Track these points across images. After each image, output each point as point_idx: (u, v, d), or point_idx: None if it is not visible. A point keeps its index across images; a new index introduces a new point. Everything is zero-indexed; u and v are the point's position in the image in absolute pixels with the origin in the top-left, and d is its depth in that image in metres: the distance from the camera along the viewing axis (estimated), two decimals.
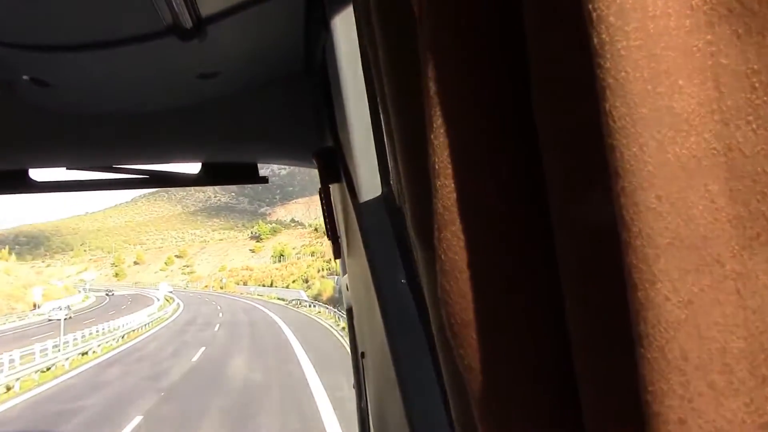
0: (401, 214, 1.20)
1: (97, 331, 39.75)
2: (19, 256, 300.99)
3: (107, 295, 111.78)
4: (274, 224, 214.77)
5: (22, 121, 1.57)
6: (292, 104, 1.72)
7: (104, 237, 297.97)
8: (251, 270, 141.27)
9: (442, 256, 0.45)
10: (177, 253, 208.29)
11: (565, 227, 0.41)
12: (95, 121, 1.57)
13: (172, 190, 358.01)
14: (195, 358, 28.95)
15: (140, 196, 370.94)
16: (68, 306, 60.26)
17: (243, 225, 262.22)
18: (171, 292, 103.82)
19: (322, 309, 50.19)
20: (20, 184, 1.78)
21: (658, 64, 0.32)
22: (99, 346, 33.57)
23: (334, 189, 1.57)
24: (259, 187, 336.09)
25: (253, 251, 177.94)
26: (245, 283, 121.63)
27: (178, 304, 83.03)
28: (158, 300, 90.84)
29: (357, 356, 1.86)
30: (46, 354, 28.98)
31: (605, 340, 0.39)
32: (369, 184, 1.29)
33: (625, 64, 0.32)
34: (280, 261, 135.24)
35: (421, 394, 1.00)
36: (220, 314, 59.54)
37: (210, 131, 1.74)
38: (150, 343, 37.19)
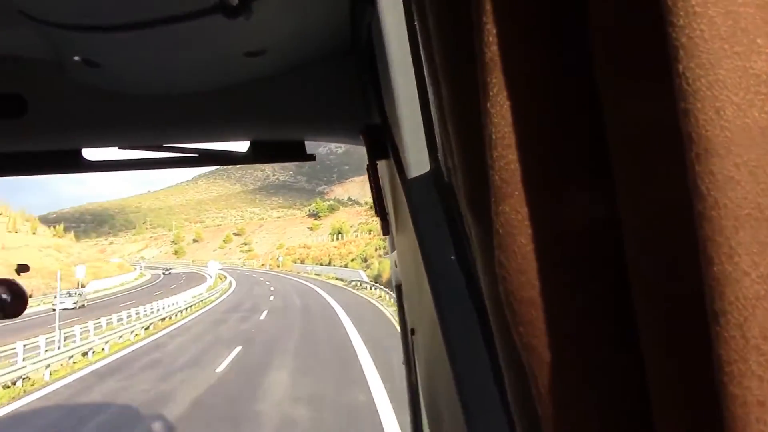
0: (450, 190, 1.19)
1: (119, 320, 32.47)
2: (84, 233, 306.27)
3: (164, 273, 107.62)
4: (331, 202, 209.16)
5: (74, 102, 1.63)
6: (339, 82, 1.74)
7: (165, 215, 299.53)
8: (309, 248, 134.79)
9: (500, 230, 0.43)
10: (235, 231, 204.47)
11: (631, 200, 0.39)
12: (145, 100, 1.63)
13: (231, 169, 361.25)
14: (220, 368, 20.90)
15: (200, 175, 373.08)
16: (80, 293, 53.10)
17: (301, 204, 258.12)
18: (221, 269, 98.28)
19: (383, 293, 41.61)
20: (74, 163, 1.85)
21: (735, 22, 0.30)
22: (107, 342, 25.94)
23: (381, 166, 1.58)
24: (317, 165, 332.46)
25: (310, 229, 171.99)
26: (302, 262, 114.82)
27: (230, 282, 77.40)
28: (210, 277, 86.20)
29: (407, 333, 1.88)
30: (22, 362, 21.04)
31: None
32: (417, 160, 1.29)
33: (700, 21, 0.30)
34: (337, 239, 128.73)
35: (471, 371, 1.01)
36: (271, 297, 52.39)
37: (257, 109, 1.77)
38: (174, 339, 29.46)
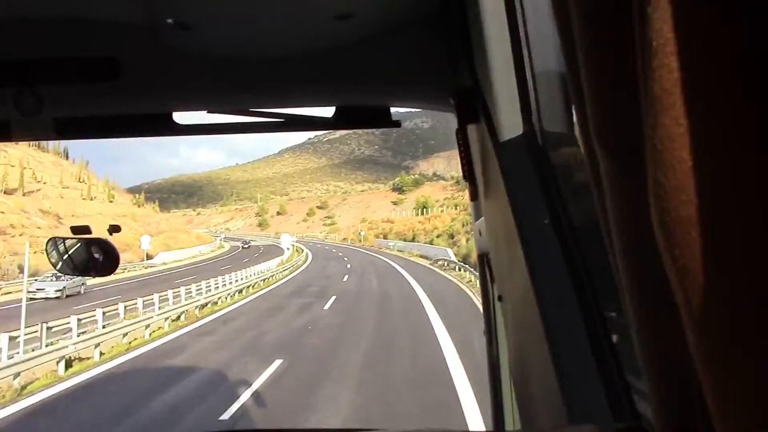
0: (544, 154, 1.20)
1: (154, 306, 24.92)
2: (174, 204, 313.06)
3: (243, 246, 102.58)
4: (416, 176, 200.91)
5: (166, 65, 1.66)
6: (428, 45, 1.68)
7: (252, 188, 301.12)
8: (392, 222, 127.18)
9: (658, 146, 0.39)
10: (319, 204, 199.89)
11: None
12: (234, 64, 1.65)
13: (317, 142, 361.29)
14: (233, 409, 12.31)
15: (287, 148, 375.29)
16: (76, 279, 39.78)
17: (386, 178, 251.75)
18: (297, 242, 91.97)
19: (473, 278, 32.04)
20: (165, 126, 1.88)
21: None
22: (98, 346, 17.84)
23: (471, 130, 1.56)
24: (403, 140, 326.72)
25: (394, 203, 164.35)
26: (385, 237, 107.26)
27: (306, 256, 70.81)
28: (288, 249, 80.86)
29: (489, 302, 1.88)
30: None
31: None
32: (509, 123, 1.27)
33: None
34: (422, 213, 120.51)
35: (568, 339, 0.98)
36: (345, 277, 44.10)
37: (343, 74, 1.76)
38: (199, 340, 20.59)
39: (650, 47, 0.39)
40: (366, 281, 40.59)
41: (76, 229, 2.96)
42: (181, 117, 1.92)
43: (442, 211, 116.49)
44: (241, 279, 38.48)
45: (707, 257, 0.38)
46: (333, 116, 1.89)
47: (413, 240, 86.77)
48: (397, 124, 1.94)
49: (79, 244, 3.00)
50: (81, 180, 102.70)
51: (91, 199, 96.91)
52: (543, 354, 1.00)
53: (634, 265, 0.56)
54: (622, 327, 0.97)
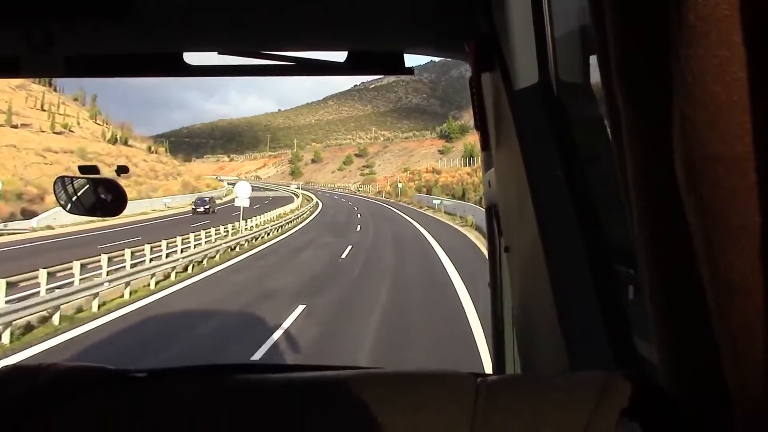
0: (559, 103, 1.17)
1: None
2: (212, 150, 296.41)
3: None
4: (463, 122, 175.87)
5: (178, 4, 1.59)
6: None
7: (293, 134, 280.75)
8: (438, 173, 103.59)
9: (688, 78, 0.37)
10: (357, 152, 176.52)
11: None
12: (247, 5, 1.58)
13: (363, 89, 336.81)
14: None
15: (331, 95, 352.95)
16: None
17: (433, 128, 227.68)
18: (305, 192, 70.05)
19: None
20: (175, 66, 1.82)
21: None
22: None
23: (485, 78, 1.52)
24: (450, 89, 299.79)
25: (441, 152, 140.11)
26: (429, 191, 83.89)
27: (314, 207, 49.26)
28: (297, 197, 62.84)
29: (496, 254, 1.85)
30: None
31: None
32: (525, 72, 1.23)
33: None
34: (469, 164, 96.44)
35: (575, 291, 0.96)
36: (353, 265, 20.48)
37: (357, 18, 1.69)
38: None
39: None
40: (376, 284, 17.08)
41: (84, 169, 2.79)
42: (191, 58, 1.85)
43: None
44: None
45: (734, 195, 0.35)
46: (345, 61, 1.81)
47: (462, 197, 63.09)
48: (410, 71, 1.86)
49: (87, 185, 2.89)
50: (43, 108, 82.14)
51: (58, 133, 75.97)
52: (547, 303, 0.98)
53: (651, 215, 0.53)
54: (628, 279, 0.96)
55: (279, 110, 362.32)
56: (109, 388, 0.78)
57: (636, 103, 0.50)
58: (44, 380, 0.79)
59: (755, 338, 0.36)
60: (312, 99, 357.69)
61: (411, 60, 1.97)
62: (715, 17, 0.34)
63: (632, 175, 0.53)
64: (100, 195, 2.84)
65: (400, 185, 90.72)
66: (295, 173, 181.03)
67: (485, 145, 1.57)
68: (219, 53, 1.82)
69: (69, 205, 2.96)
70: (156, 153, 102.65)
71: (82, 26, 1.55)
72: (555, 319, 0.96)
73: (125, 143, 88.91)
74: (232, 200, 73.03)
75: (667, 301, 0.54)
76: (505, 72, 1.28)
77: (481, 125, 1.54)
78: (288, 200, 71.83)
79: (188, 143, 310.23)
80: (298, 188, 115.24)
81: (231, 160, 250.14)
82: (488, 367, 2.14)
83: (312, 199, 73.30)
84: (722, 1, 0.34)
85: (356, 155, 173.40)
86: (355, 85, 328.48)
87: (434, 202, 60.52)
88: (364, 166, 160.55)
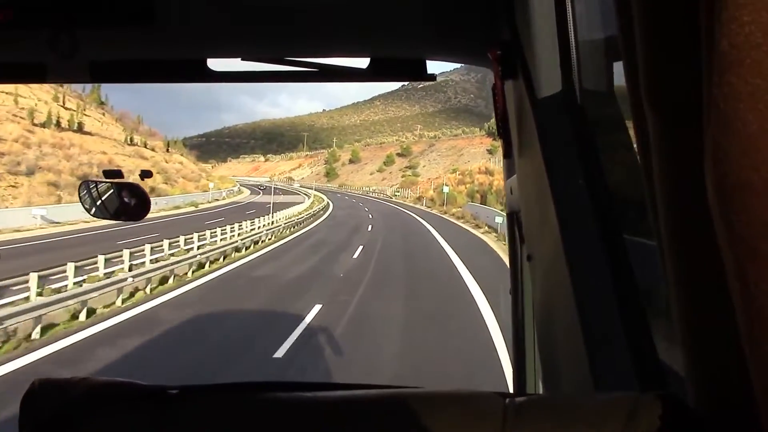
0: (582, 113, 1.14)
1: None
2: (252, 150, 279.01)
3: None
4: None
5: (200, 10, 1.57)
6: None
7: (337, 135, 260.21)
8: (491, 175, 79.32)
9: (721, 105, 0.35)
10: (400, 151, 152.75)
11: None
12: (270, 12, 1.56)
13: (411, 90, 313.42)
14: None
15: (379, 95, 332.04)
16: None
17: (481, 126, 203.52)
18: (302, 184, 48.99)
19: None
20: (199, 73, 1.82)
21: None
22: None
23: (508, 85, 1.49)
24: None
25: (489, 152, 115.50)
26: (483, 199, 59.72)
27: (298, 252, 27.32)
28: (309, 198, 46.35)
29: (517, 261, 1.82)
30: None
31: None
32: (548, 80, 1.20)
33: None
34: None
35: (595, 301, 0.94)
36: None
37: (379, 25, 1.68)
38: None
39: (721, 0, 0.35)
40: None
41: (108, 173, 2.86)
42: (215, 64, 1.84)
43: None
44: None
45: (766, 224, 0.34)
46: (367, 67, 1.79)
47: None
48: (432, 77, 1.82)
49: (111, 189, 2.87)
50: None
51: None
52: (571, 318, 0.96)
53: (680, 231, 0.51)
54: (653, 294, 0.92)
55: (324, 110, 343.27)
56: (140, 404, 0.77)
57: (664, 115, 0.48)
58: (77, 394, 0.77)
59: None
60: (358, 99, 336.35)
61: (435, 66, 1.95)
62: (749, 45, 0.33)
63: (660, 189, 0.51)
64: (124, 199, 2.77)
65: (446, 189, 66.04)
66: (330, 174, 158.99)
67: (508, 153, 1.54)
68: (242, 59, 1.80)
69: (94, 209, 2.91)
70: (170, 153, 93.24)
71: (107, 33, 1.53)
72: (578, 333, 0.93)
73: (144, 146, 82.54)
74: (231, 203, 57.57)
75: (698, 321, 0.53)
76: (528, 79, 1.25)
77: (503, 133, 1.51)
78: (290, 206, 51.64)
79: (228, 143, 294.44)
80: (313, 190, 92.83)
81: (267, 160, 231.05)
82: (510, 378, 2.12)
83: (316, 212, 50.74)
84: (755, 29, 0.33)
85: (399, 155, 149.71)
86: (403, 85, 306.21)
87: (497, 220, 35.67)
88: (407, 167, 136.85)
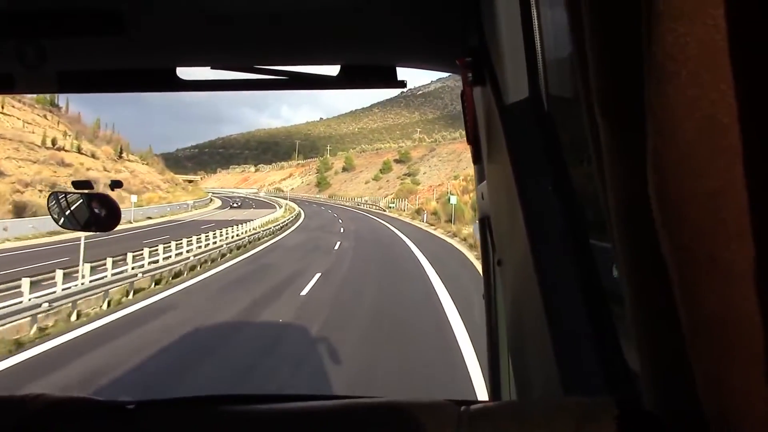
0: (550, 118, 1.14)
1: None
2: (244, 161, 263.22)
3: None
4: None
5: (170, 20, 1.53)
6: (435, 4, 1.53)
7: (336, 143, 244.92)
8: None
9: (659, 115, 0.36)
10: (398, 157, 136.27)
11: None
12: (239, 21, 1.52)
13: (410, 96, 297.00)
14: None
15: (377, 102, 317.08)
16: None
17: None
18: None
19: None
20: (169, 82, 1.78)
21: None
22: None
23: (476, 92, 1.47)
24: None
25: None
26: None
27: None
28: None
29: (489, 266, 1.79)
30: None
31: None
32: (515, 86, 1.19)
33: None
34: None
35: (564, 304, 0.93)
36: None
37: (350, 33, 1.64)
38: None
39: (656, 11, 0.35)
40: None
41: (77, 184, 2.82)
42: (184, 73, 1.81)
43: None
44: None
45: (704, 231, 0.34)
46: (338, 75, 1.77)
47: None
48: (402, 84, 1.81)
49: (80, 200, 2.83)
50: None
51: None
52: (540, 322, 0.96)
53: (630, 234, 0.51)
54: (621, 298, 0.94)
55: (321, 119, 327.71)
56: (96, 420, 0.75)
57: (613, 125, 0.49)
58: (32, 411, 0.76)
59: (725, 369, 0.35)
60: (355, 107, 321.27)
61: (407, 73, 1.91)
62: (685, 56, 0.34)
63: (611, 192, 0.52)
64: (94, 210, 2.74)
65: (453, 200, 48.99)
66: (321, 184, 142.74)
67: (477, 159, 1.53)
68: (212, 68, 1.77)
69: (62, 220, 2.88)
70: (147, 165, 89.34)
71: (75, 43, 1.51)
72: (547, 338, 0.92)
73: (78, 151, 72.35)
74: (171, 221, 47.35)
75: (648, 323, 0.52)
76: (495, 86, 1.25)
77: (473, 139, 1.49)
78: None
79: (221, 154, 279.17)
80: (289, 202, 76.63)
81: (257, 170, 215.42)
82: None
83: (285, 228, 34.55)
84: (691, 41, 0.33)
85: (396, 161, 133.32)
86: (402, 92, 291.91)
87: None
88: (405, 174, 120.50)
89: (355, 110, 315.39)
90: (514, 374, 1.29)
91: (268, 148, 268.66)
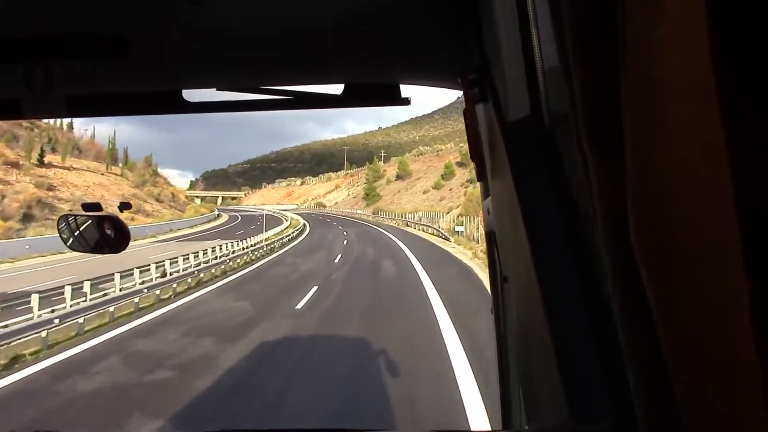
0: (551, 135, 1.10)
1: None
2: (297, 174, 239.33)
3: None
4: None
5: (175, 43, 1.51)
6: (437, 22, 1.52)
7: (393, 152, 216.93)
8: None
9: (637, 146, 0.35)
10: (460, 159, 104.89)
11: None
12: (244, 43, 1.51)
13: None
14: None
15: (438, 108, 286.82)
16: None
17: None
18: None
19: None
20: (174, 103, 1.76)
21: None
22: None
23: (479, 109, 1.41)
24: None
25: None
26: None
27: None
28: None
29: (497, 281, 1.74)
30: None
31: None
32: (517, 103, 1.16)
33: None
34: None
35: (568, 319, 0.91)
36: None
37: (353, 52, 1.63)
38: None
39: (632, 45, 0.35)
40: None
41: (87, 207, 2.74)
42: (190, 95, 1.79)
43: None
44: None
45: (680, 264, 0.34)
46: (342, 93, 1.76)
47: None
48: (406, 101, 1.80)
49: (89, 222, 2.79)
50: None
51: None
52: (545, 344, 0.93)
53: (616, 254, 0.50)
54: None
55: (379, 128, 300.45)
56: None
57: (599, 150, 0.48)
58: None
59: (700, 389, 0.35)
60: (415, 114, 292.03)
61: (410, 90, 1.94)
62: (661, 90, 0.33)
63: (598, 217, 0.51)
64: (105, 231, 2.70)
65: None
66: (369, 195, 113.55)
67: (481, 175, 1.50)
68: (217, 89, 1.75)
69: (71, 241, 2.82)
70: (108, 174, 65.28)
71: (82, 67, 1.49)
72: (553, 361, 0.90)
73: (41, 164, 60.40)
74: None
75: (635, 344, 0.51)
76: (497, 104, 1.22)
77: (476, 155, 1.46)
78: None
79: (273, 168, 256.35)
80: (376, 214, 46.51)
81: (302, 183, 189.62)
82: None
83: None
84: (663, 75, 0.33)
85: (459, 164, 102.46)
86: (458, 97, 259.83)
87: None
88: (468, 181, 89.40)
89: (415, 117, 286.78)
90: (523, 401, 1.25)
91: (322, 160, 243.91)
